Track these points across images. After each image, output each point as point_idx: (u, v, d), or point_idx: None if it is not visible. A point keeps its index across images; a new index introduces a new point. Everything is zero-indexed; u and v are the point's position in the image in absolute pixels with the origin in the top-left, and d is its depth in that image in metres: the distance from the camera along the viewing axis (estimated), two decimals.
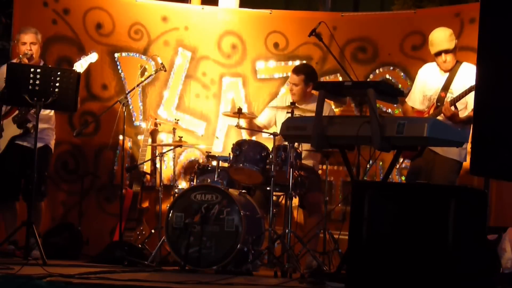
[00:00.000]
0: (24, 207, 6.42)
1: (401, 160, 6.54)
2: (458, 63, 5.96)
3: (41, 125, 6.34)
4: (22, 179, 6.50)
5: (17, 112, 6.44)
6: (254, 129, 6.72)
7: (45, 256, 5.59)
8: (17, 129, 6.44)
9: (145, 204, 7.07)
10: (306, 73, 6.57)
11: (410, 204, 4.04)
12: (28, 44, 6.48)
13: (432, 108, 5.92)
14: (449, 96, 5.87)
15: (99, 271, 4.91)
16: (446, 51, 5.87)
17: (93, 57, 6.51)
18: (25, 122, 6.39)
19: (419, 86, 6.13)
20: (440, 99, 5.90)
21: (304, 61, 7.34)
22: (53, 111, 6.59)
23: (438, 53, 5.89)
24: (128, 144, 7.42)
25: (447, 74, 5.95)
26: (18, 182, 6.51)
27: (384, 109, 7.10)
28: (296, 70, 6.63)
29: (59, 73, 5.88)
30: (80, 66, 6.36)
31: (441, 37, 5.89)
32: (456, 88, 5.84)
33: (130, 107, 7.35)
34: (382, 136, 4.70)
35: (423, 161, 5.90)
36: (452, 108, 5.74)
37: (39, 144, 6.24)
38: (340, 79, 7.25)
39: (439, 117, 5.76)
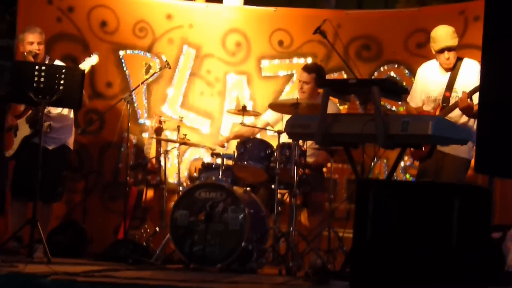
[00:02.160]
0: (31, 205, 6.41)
1: (405, 158, 6.53)
2: (459, 60, 5.89)
3: (56, 125, 6.36)
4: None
5: (30, 112, 6.42)
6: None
7: (50, 254, 5.59)
8: (29, 129, 6.41)
9: (150, 202, 7.08)
10: (318, 72, 6.55)
11: (415, 202, 4.03)
12: (36, 43, 6.43)
13: (438, 109, 5.87)
14: (454, 96, 5.82)
15: (103, 269, 4.92)
16: (449, 48, 5.80)
17: (93, 59, 6.47)
18: (37, 122, 6.37)
19: (420, 85, 6.07)
20: (446, 100, 5.85)
21: (310, 59, 7.34)
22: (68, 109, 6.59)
23: (441, 50, 5.82)
24: (133, 142, 7.42)
25: (449, 73, 5.89)
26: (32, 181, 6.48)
27: (389, 107, 7.09)
28: (308, 69, 6.59)
29: (63, 70, 5.87)
30: (82, 67, 6.35)
31: (444, 34, 5.82)
32: (460, 87, 5.78)
33: (135, 104, 7.37)
34: (387, 134, 4.69)
35: (432, 161, 5.84)
36: (469, 100, 5.64)
37: (55, 145, 6.47)
38: (345, 76, 7.25)
39: (450, 114, 5.73)
